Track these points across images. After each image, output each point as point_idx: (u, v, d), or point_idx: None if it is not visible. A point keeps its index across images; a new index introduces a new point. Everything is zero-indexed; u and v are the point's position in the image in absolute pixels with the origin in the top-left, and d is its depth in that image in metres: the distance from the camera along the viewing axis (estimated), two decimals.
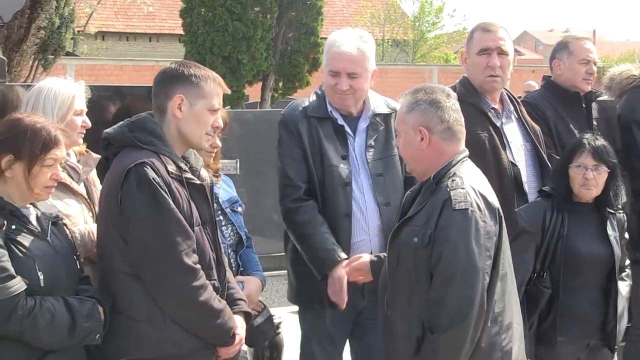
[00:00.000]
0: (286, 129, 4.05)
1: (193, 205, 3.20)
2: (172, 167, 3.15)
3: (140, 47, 38.29)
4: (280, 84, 22.21)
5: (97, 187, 3.79)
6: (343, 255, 3.83)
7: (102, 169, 3.39)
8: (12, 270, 2.91)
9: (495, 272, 3.12)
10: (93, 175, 3.80)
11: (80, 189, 3.67)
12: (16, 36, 13.70)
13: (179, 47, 31.50)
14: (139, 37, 38.58)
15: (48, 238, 3.10)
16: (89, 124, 3.68)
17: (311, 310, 4.07)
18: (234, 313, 3.34)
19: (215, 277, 3.28)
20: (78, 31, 25.28)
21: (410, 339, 3.12)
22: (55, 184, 3.14)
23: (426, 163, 3.24)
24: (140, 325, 3.11)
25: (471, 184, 3.17)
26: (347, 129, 4.04)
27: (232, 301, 3.38)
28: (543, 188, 4.17)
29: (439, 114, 3.22)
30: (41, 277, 2.98)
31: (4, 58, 4.15)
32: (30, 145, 3.01)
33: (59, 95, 3.60)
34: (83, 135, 3.69)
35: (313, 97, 4.12)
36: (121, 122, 3.29)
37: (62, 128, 3.21)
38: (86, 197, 3.68)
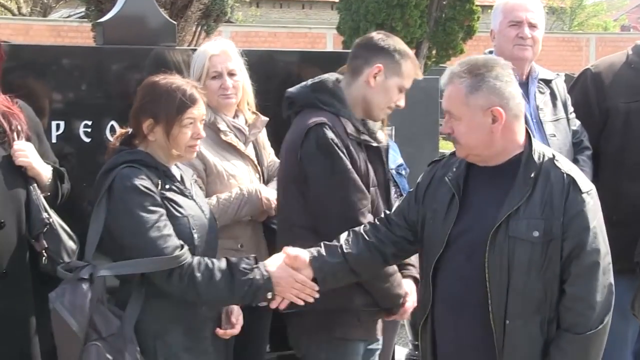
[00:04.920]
0: None
1: (370, 166, 3.29)
2: (350, 129, 3.25)
3: (293, 14, 38.78)
4: (434, 52, 21.99)
5: (267, 149, 3.89)
6: None
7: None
8: (172, 230, 2.93)
9: None
10: (263, 137, 3.87)
11: (249, 150, 3.74)
12: (181, 2, 14.23)
13: (332, 14, 31.73)
14: (292, 4, 39.06)
15: (194, 198, 3.14)
16: (229, 86, 3.66)
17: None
18: (403, 277, 3.38)
19: None
20: None
21: (534, 346, 2.77)
22: (198, 142, 3.11)
23: (498, 146, 2.83)
24: None
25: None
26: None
27: (402, 265, 3.40)
28: None
29: (510, 89, 2.80)
30: (195, 235, 3.02)
31: (174, 22, 4.34)
32: (166, 108, 3.02)
33: (197, 57, 3.70)
34: (230, 98, 3.68)
35: None
36: (304, 82, 3.41)
37: (197, 86, 3.15)
38: (253, 159, 3.75)
